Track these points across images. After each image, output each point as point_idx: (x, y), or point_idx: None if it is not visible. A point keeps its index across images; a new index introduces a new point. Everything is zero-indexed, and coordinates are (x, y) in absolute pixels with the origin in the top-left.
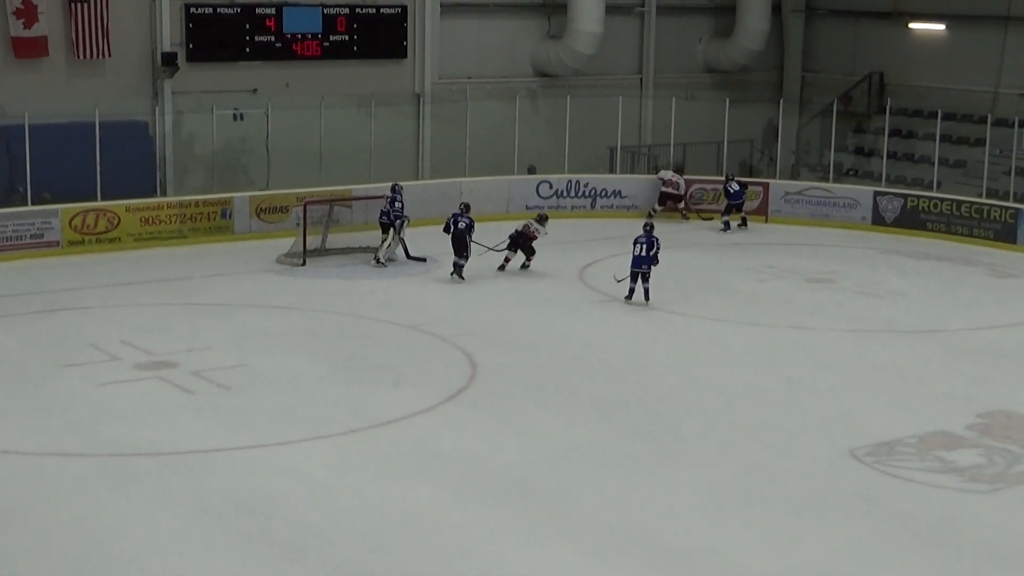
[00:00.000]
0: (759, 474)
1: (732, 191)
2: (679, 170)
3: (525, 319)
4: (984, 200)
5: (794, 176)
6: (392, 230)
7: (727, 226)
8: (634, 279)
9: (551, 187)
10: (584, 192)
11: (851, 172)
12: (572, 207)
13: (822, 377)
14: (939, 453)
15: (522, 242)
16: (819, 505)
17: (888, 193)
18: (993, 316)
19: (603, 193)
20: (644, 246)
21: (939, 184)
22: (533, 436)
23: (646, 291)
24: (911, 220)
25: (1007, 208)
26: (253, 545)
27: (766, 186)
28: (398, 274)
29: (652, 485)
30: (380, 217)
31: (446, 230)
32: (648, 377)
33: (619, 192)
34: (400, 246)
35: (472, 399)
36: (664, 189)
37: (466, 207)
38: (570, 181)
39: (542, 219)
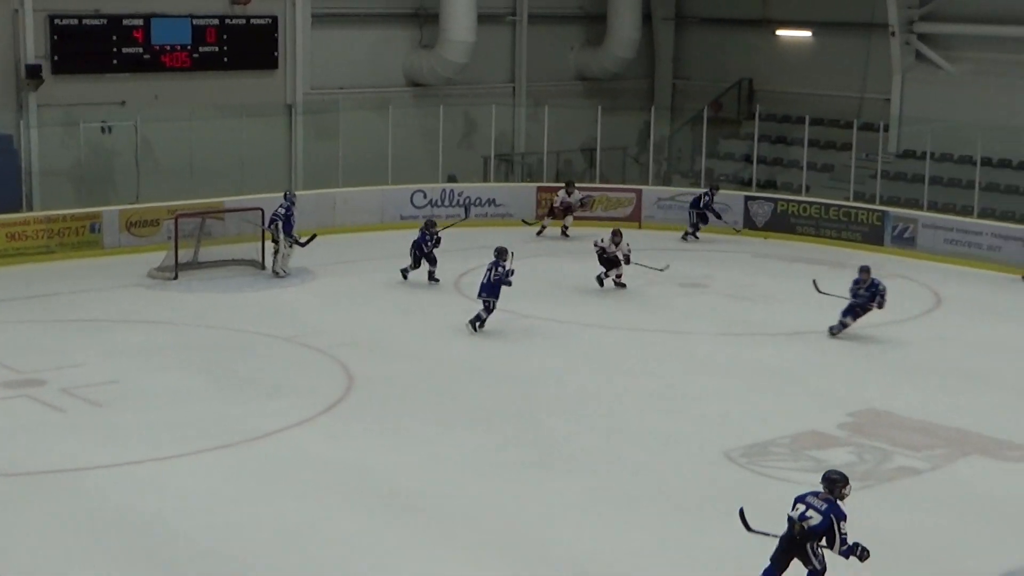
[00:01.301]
0: (638, 478)
1: (703, 203)
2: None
3: (401, 329)
4: (852, 203)
5: (666, 182)
6: (281, 240)
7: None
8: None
9: (425, 196)
10: (458, 201)
11: (722, 177)
12: (447, 216)
13: (697, 380)
14: (812, 452)
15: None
16: (697, 507)
17: (758, 198)
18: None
19: (477, 201)
20: (490, 274)
21: (808, 188)
22: (412, 445)
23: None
24: (781, 224)
25: (874, 211)
26: (133, 564)
27: (639, 192)
28: (273, 286)
29: (532, 491)
30: (269, 226)
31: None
32: (526, 384)
33: (493, 200)
34: (291, 251)
35: (349, 410)
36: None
37: (500, 253)
38: (444, 190)
39: (616, 235)
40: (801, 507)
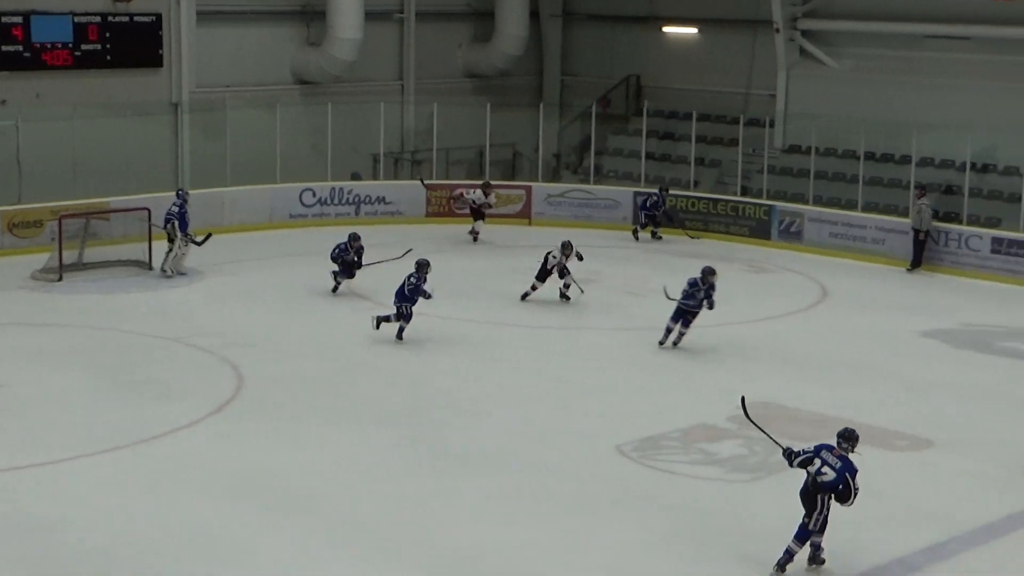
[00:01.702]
0: (532, 474)
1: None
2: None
3: (293, 328)
4: (739, 198)
5: (556, 179)
6: (177, 239)
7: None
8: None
9: (315, 195)
10: (348, 199)
11: (611, 174)
12: (336, 215)
13: (590, 376)
14: (702, 445)
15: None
16: (590, 502)
17: (648, 193)
18: (751, 310)
19: (367, 200)
20: (405, 283)
21: (696, 183)
22: (305, 445)
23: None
24: (671, 219)
25: (761, 205)
26: (26, 568)
27: (528, 189)
28: (160, 286)
29: (430, 489)
30: (165, 225)
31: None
32: (422, 382)
33: (383, 199)
34: (186, 250)
35: (240, 410)
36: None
37: (420, 267)
38: (334, 188)
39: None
40: (818, 462)
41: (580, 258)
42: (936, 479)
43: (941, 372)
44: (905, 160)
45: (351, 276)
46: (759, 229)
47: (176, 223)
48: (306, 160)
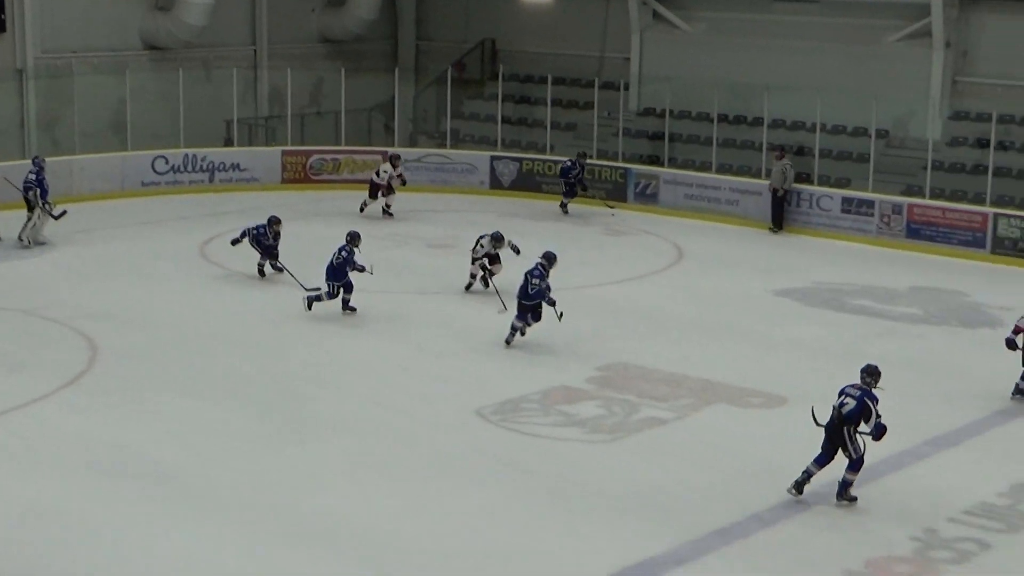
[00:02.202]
0: (393, 441)
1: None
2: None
3: (146, 298)
4: (595, 161)
5: (412, 144)
6: (37, 207)
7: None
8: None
9: (167, 162)
10: (202, 166)
11: (468, 138)
12: (190, 182)
13: (448, 341)
14: (562, 407)
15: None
16: (451, 467)
17: (504, 157)
18: (608, 272)
19: (221, 167)
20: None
21: (552, 147)
22: (160, 416)
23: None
24: (527, 183)
25: (617, 168)
26: None
27: (385, 154)
28: (10, 257)
29: (288, 458)
30: (26, 193)
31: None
32: (278, 351)
33: (238, 165)
34: (45, 220)
35: (94, 382)
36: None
37: (352, 238)
38: (187, 155)
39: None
40: (841, 397)
41: (516, 251)
42: (790, 435)
43: (794, 330)
44: (757, 122)
45: (274, 259)
46: (615, 192)
47: (37, 191)
48: (158, 127)
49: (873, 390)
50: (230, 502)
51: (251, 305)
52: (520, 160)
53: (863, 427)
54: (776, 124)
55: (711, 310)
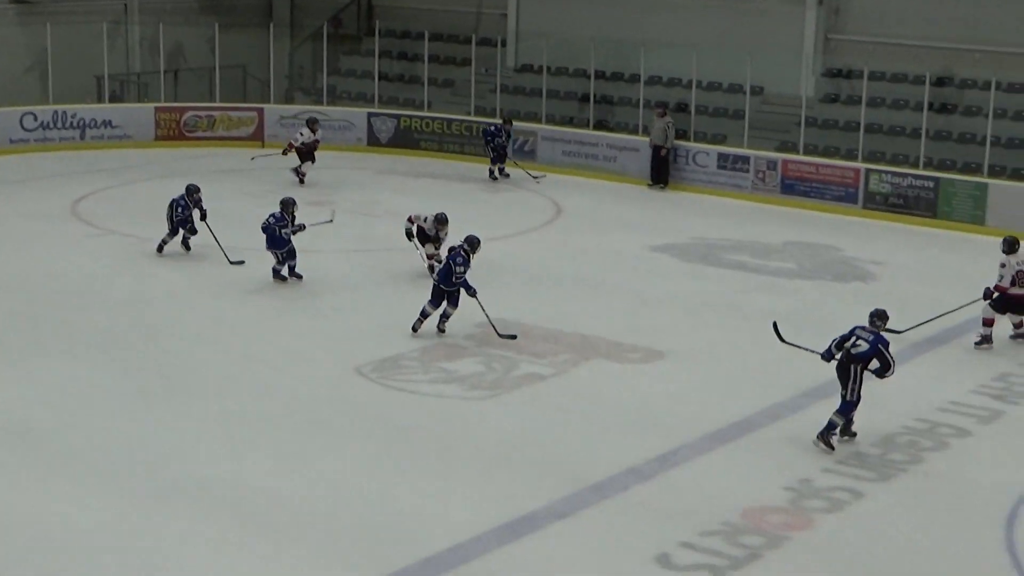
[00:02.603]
0: (268, 398)
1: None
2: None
3: (14, 257)
4: (473, 118)
5: (288, 100)
6: None
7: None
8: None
9: (36, 119)
10: (72, 123)
11: (345, 95)
12: (60, 139)
13: (325, 298)
14: (441, 364)
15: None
16: (330, 424)
17: (381, 114)
18: (489, 229)
19: (92, 124)
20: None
21: (430, 104)
22: (30, 376)
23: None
24: (405, 139)
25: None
26: None
27: (260, 111)
28: None
29: (160, 417)
30: None
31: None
32: (148, 309)
33: (110, 122)
34: None
35: None
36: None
37: (284, 205)
38: (56, 112)
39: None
40: (853, 338)
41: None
42: (667, 389)
43: (671, 285)
44: (634, 79)
45: (193, 233)
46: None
47: None
48: (26, 83)
49: (882, 332)
50: (102, 462)
51: (124, 264)
52: (398, 117)
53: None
54: (652, 81)
55: (589, 266)
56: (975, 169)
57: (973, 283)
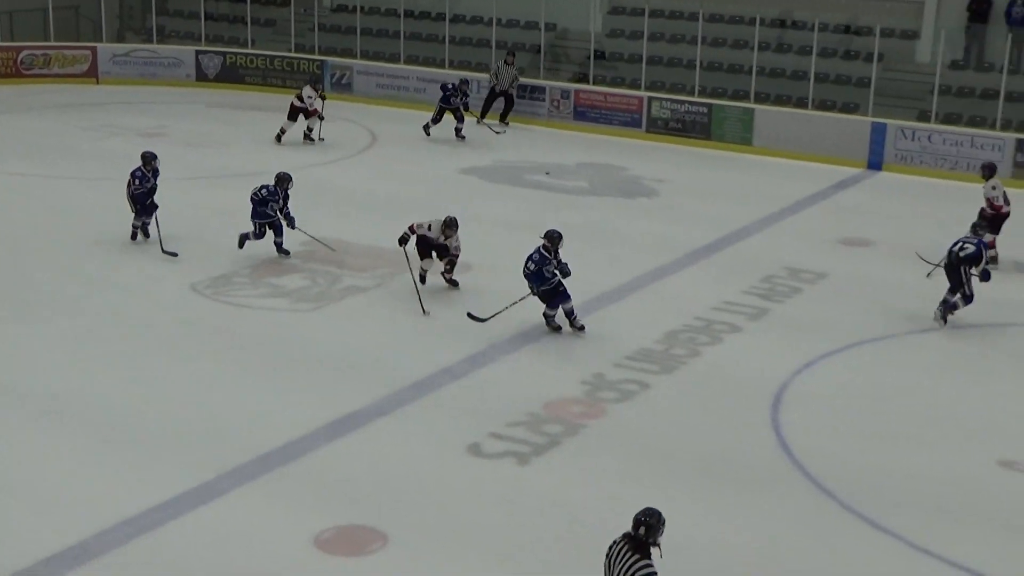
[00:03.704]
0: (115, 319)
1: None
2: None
3: None
4: (294, 54)
5: (120, 39)
6: None
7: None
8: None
9: None
10: None
11: (173, 34)
12: None
13: (163, 225)
14: (270, 280)
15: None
16: (168, 340)
17: (208, 52)
18: (308, 157)
19: None
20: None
21: (253, 42)
22: None
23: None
24: (231, 75)
25: (314, 60)
26: None
27: (94, 49)
28: None
29: (10, 337)
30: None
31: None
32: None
33: None
34: None
35: None
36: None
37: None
38: None
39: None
40: (960, 243)
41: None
42: (475, 297)
43: (479, 204)
44: (440, 17)
45: (147, 211)
46: (314, 81)
47: None
48: None
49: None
50: None
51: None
52: (224, 54)
53: (974, 270)
54: (457, 19)
55: (404, 189)
56: (743, 96)
57: (743, 195)
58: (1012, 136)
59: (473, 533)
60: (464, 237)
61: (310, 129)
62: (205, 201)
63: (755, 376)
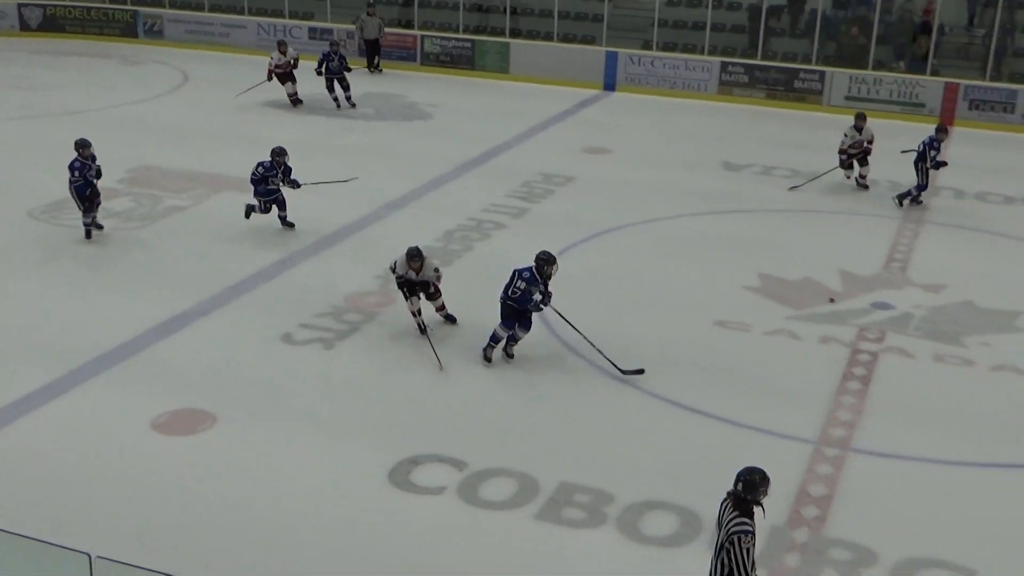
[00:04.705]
0: None
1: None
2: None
3: None
4: (108, 5)
5: None
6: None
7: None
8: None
9: None
10: None
11: None
12: None
13: (4, 161)
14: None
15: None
16: (12, 259)
17: (30, 4)
18: (129, 95)
19: None
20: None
21: None
22: None
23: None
24: (52, 25)
25: (127, 10)
26: None
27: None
28: None
29: None
30: None
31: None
32: None
33: None
34: None
35: None
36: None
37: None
38: None
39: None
40: (921, 146)
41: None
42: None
43: (281, 131)
44: None
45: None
46: (127, 30)
47: None
48: None
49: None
50: None
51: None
52: (44, 6)
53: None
54: None
55: (214, 120)
56: (500, 32)
57: (503, 116)
58: (717, 60)
59: (290, 408)
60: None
61: (292, 93)
62: (45, 133)
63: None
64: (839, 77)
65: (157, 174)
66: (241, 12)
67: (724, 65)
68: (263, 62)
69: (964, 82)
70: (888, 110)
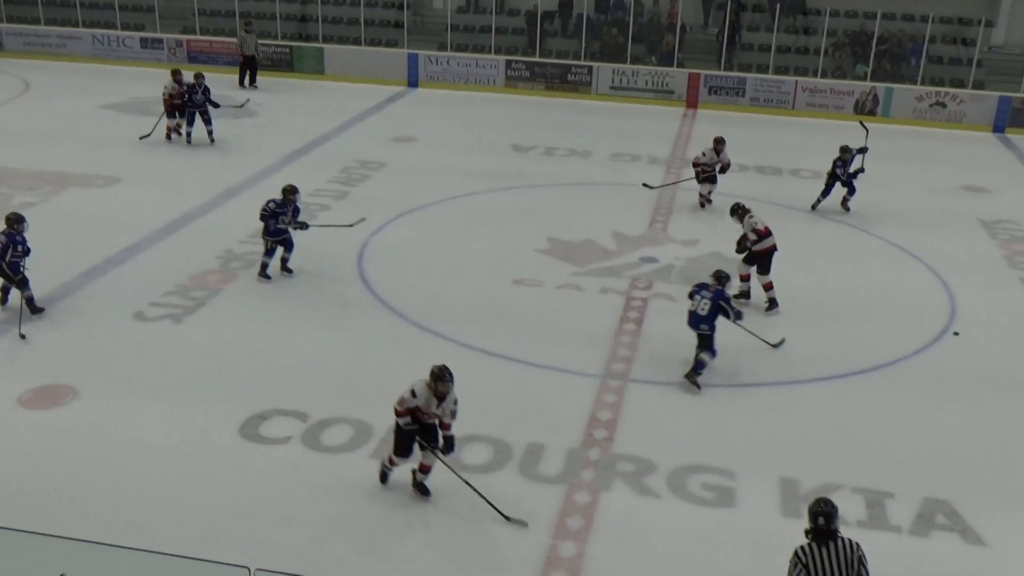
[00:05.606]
0: None
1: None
2: None
3: None
4: None
5: None
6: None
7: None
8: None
9: None
10: None
11: None
12: None
13: None
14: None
15: None
16: None
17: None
18: None
19: None
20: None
21: None
22: None
23: None
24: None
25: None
26: None
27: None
28: None
29: None
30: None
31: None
32: None
33: None
34: None
35: None
36: None
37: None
38: None
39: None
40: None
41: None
42: (127, 202)
43: (117, 131)
44: None
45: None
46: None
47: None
48: None
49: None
50: None
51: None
52: None
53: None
54: None
55: (54, 122)
56: (315, 39)
57: (322, 111)
58: (503, 58)
59: (147, 377)
60: (110, 157)
61: (177, 127)
62: None
63: (343, 239)
64: (604, 70)
65: (5, 174)
66: (76, 24)
67: (509, 63)
68: (100, 69)
69: (704, 72)
70: (645, 97)
